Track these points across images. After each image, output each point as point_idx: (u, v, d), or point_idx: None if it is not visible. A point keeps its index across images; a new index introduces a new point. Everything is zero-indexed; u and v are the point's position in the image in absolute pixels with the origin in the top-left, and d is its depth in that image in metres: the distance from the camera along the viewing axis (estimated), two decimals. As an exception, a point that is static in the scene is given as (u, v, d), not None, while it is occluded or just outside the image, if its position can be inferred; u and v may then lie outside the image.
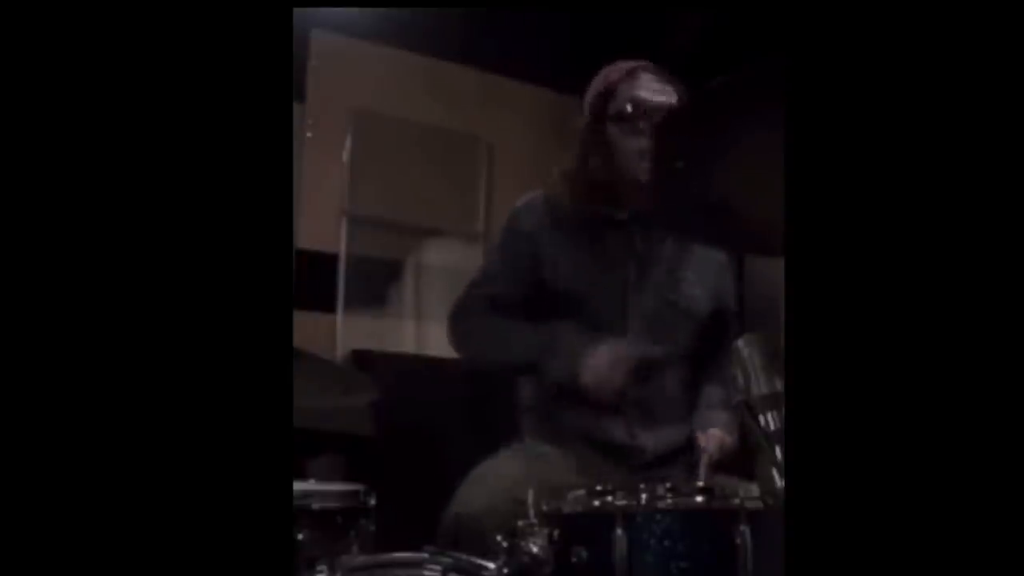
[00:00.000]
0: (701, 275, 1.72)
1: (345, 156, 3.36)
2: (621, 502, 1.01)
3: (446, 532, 1.43)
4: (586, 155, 1.68)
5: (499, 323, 1.67)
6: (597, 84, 1.72)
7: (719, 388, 1.69)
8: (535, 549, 1.03)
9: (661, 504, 1.00)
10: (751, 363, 0.95)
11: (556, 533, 1.03)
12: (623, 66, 1.70)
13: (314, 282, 3.20)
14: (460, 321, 1.74)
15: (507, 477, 1.47)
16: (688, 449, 1.64)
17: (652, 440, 1.62)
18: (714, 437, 1.57)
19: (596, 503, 1.03)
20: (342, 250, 3.34)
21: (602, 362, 1.54)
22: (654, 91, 1.65)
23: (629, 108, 1.63)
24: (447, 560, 1.12)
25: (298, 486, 1.34)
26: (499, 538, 1.07)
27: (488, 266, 1.80)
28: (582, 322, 1.63)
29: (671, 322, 1.67)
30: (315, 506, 1.28)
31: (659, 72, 1.68)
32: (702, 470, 1.49)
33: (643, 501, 1.00)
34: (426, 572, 1.11)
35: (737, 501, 0.98)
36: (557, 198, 1.71)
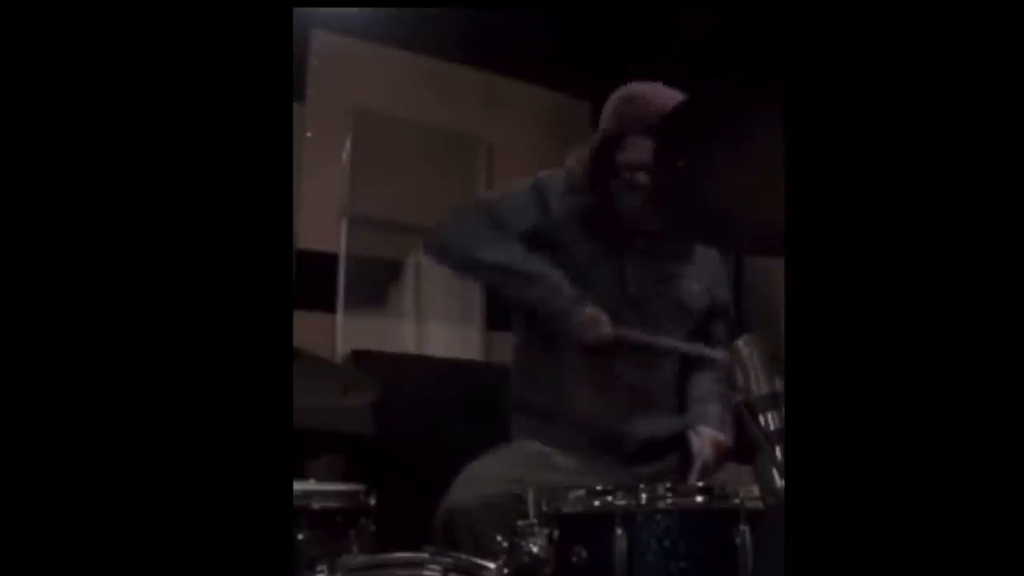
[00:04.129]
0: (699, 271, 1.75)
1: (345, 156, 3.36)
2: (621, 502, 1.01)
3: (438, 533, 1.44)
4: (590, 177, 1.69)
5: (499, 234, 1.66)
6: (611, 122, 1.67)
7: (709, 379, 1.71)
8: (535, 549, 1.03)
9: (661, 504, 1.00)
10: (751, 363, 0.95)
11: (556, 533, 1.03)
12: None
13: (314, 282, 3.20)
14: (455, 221, 1.73)
15: (499, 474, 1.48)
16: (679, 442, 1.65)
17: (644, 426, 1.63)
18: (707, 439, 1.58)
19: (596, 503, 1.03)
20: (342, 250, 3.34)
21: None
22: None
23: (641, 178, 1.61)
24: (447, 560, 1.12)
25: (298, 486, 1.34)
26: (499, 538, 1.07)
27: (500, 202, 1.76)
28: None
29: (666, 314, 1.69)
30: (315, 506, 1.28)
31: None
32: (694, 475, 1.49)
33: (643, 501, 1.00)
34: (426, 572, 1.11)
35: (737, 501, 0.98)
36: (572, 181, 1.72)
